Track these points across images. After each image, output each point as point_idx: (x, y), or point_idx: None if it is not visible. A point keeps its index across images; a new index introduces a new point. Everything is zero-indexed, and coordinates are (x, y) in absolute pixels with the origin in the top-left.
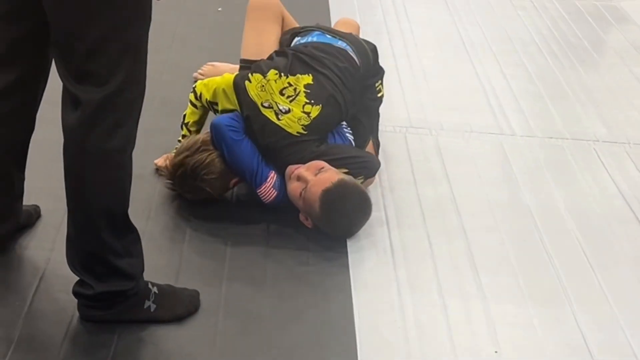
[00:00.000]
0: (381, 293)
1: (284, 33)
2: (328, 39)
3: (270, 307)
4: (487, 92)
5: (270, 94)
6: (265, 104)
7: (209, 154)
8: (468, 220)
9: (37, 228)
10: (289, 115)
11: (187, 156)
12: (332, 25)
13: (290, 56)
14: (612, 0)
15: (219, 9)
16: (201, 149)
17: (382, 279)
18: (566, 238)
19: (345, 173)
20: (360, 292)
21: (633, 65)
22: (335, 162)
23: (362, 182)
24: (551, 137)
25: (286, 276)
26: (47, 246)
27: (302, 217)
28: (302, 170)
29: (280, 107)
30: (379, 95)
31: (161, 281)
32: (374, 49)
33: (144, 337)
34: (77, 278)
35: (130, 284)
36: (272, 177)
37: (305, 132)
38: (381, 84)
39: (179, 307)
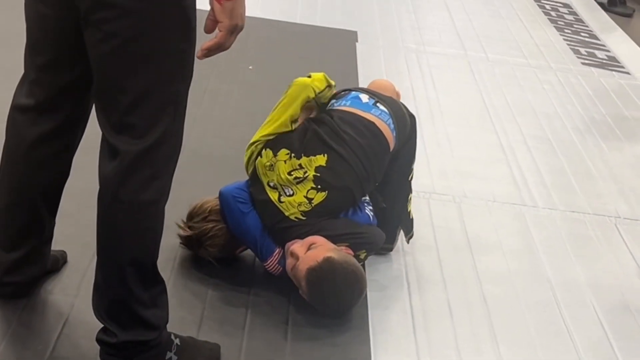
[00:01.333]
0: (400, 356)
1: None
2: (363, 104)
3: None
4: (510, 163)
5: (277, 174)
6: (271, 184)
7: (214, 226)
8: (488, 289)
9: (62, 273)
10: (290, 198)
11: (195, 221)
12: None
13: (309, 132)
14: (637, 80)
15: (250, 67)
16: (208, 218)
17: (401, 341)
18: (586, 312)
19: (347, 246)
20: (380, 353)
21: None
22: (334, 238)
23: (365, 256)
24: (573, 211)
25: (306, 335)
26: (71, 292)
27: (301, 292)
28: (296, 246)
29: (285, 190)
30: (409, 178)
31: (183, 333)
32: (412, 116)
33: None
34: (101, 325)
35: (154, 334)
36: (278, 252)
37: (303, 218)
38: (413, 169)
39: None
